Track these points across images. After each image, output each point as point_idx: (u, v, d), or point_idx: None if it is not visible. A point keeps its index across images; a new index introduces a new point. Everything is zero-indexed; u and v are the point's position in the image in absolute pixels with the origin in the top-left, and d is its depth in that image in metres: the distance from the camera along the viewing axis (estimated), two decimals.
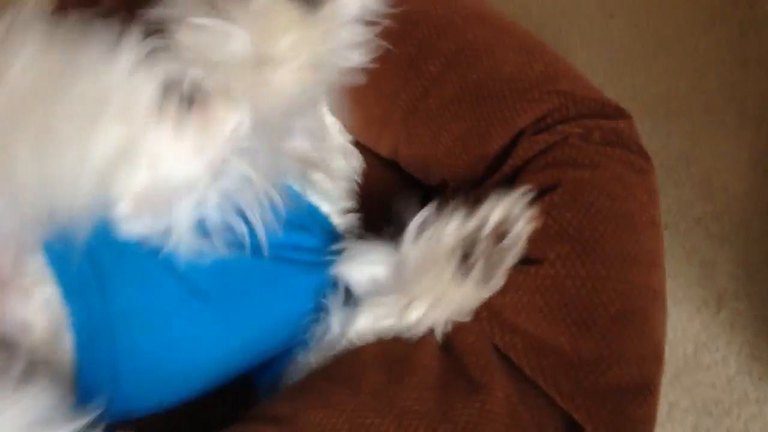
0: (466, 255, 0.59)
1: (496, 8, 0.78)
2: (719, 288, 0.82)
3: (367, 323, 0.59)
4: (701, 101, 1.00)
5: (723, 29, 1.07)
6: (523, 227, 0.59)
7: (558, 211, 0.62)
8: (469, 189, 0.70)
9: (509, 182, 0.67)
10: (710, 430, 0.72)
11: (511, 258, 0.59)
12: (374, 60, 0.58)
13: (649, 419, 0.58)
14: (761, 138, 0.94)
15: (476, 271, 0.58)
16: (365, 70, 0.58)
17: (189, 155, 0.46)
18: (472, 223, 0.58)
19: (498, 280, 0.58)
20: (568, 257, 0.61)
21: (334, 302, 0.61)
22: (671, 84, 1.02)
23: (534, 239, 0.61)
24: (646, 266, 0.63)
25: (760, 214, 0.87)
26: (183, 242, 0.48)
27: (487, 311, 0.61)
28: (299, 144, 0.63)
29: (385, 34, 0.60)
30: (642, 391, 0.58)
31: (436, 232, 0.58)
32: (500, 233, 0.59)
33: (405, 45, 0.71)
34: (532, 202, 0.62)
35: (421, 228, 0.59)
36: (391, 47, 0.62)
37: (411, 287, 0.58)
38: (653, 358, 0.60)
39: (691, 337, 0.78)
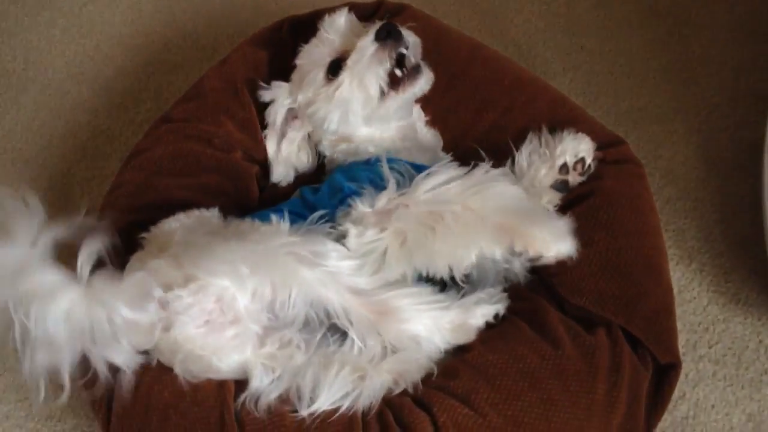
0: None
1: (529, 70, 1.14)
2: (689, 248, 1.12)
3: None
4: (656, 113, 1.29)
5: (666, 57, 1.36)
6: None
7: (596, 210, 0.96)
8: None
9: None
10: (697, 342, 1.02)
11: None
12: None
13: (674, 327, 0.91)
14: (703, 139, 1.24)
15: None
16: None
17: None
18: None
19: None
20: (606, 238, 0.94)
21: None
22: (632, 101, 1.31)
23: (583, 229, 0.91)
24: (653, 235, 0.97)
25: (710, 194, 1.17)
26: None
27: (561, 285, 0.92)
28: None
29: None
30: (666, 311, 0.91)
31: None
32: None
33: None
34: (578, 205, 0.96)
35: None
36: None
37: None
38: (668, 291, 0.94)
39: (676, 282, 1.06)
